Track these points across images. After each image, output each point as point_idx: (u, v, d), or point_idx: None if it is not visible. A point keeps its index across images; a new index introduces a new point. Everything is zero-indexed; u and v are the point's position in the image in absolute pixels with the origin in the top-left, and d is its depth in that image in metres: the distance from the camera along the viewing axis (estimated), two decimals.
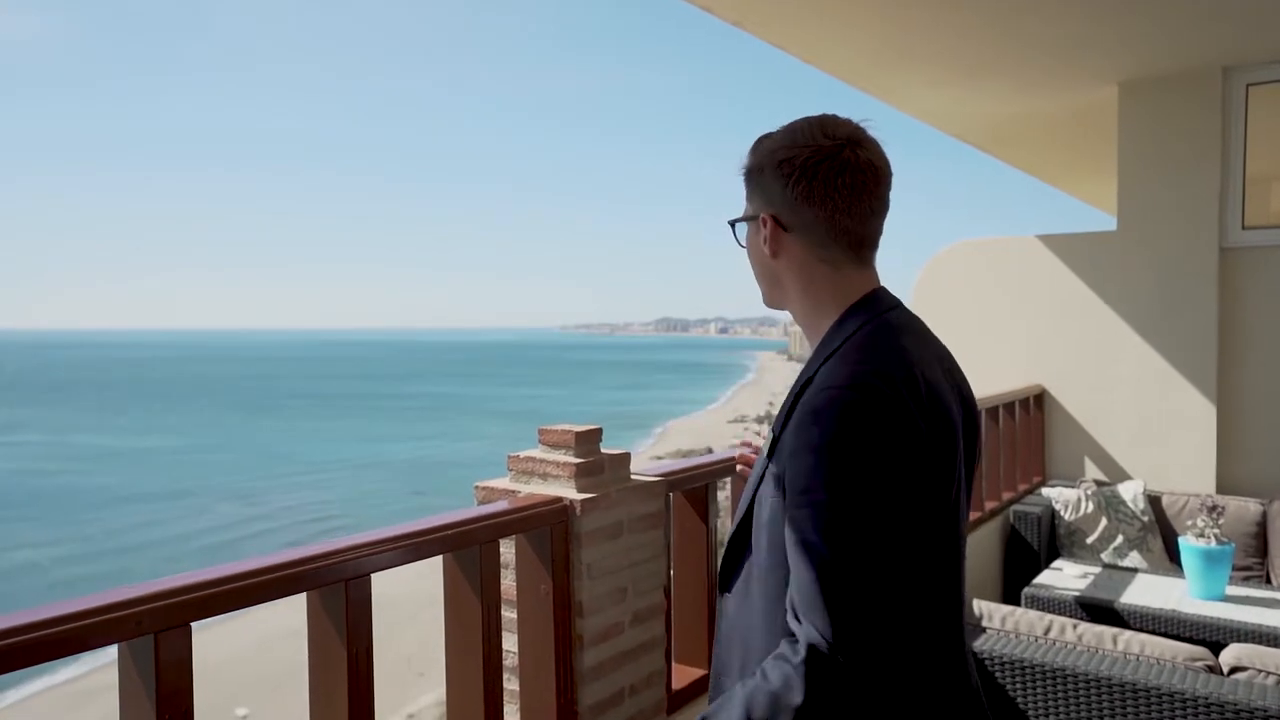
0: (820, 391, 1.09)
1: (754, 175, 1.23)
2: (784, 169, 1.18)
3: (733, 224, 1.30)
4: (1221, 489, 4.41)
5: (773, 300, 1.31)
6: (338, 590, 1.54)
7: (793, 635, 1.05)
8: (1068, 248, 4.88)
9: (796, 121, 1.22)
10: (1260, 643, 2.91)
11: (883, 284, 1.27)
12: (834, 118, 1.20)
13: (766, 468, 1.17)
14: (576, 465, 2.02)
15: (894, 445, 1.06)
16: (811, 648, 1.02)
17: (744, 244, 1.30)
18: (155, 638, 1.26)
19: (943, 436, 1.13)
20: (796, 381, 1.19)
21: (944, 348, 1.27)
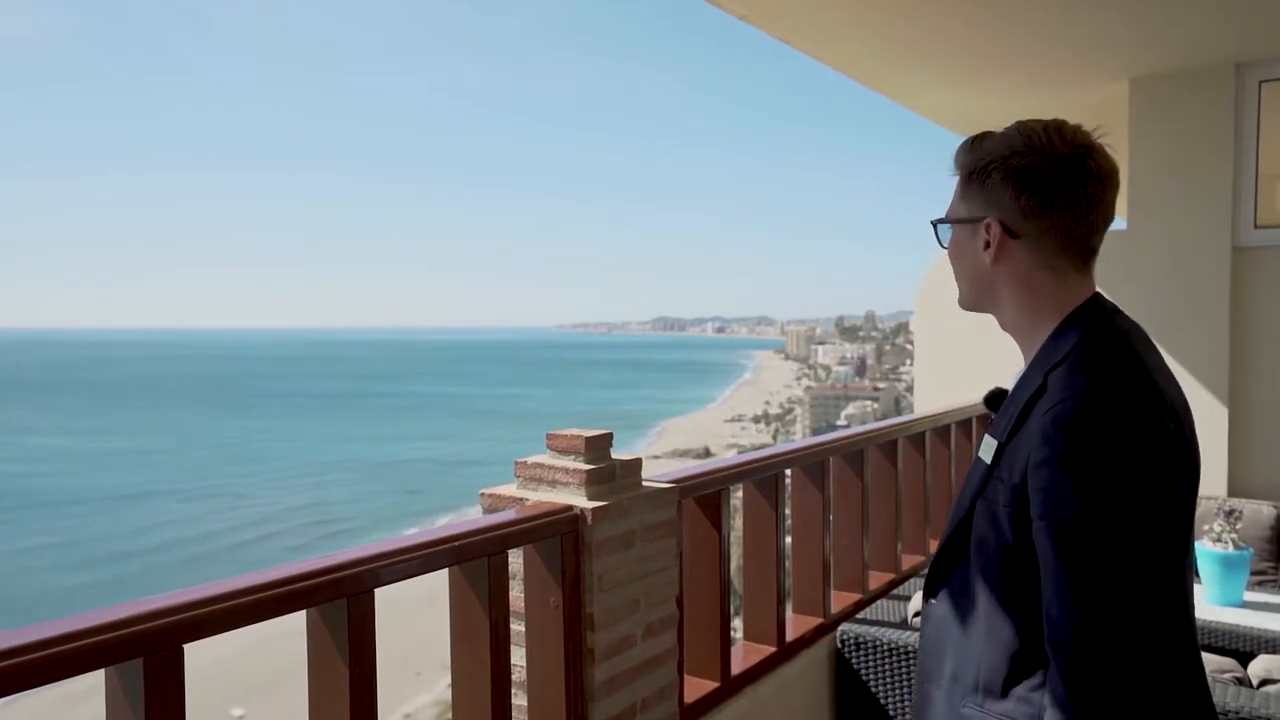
0: (1062, 402, 1.05)
1: (977, 176, 1.18)
2: (1021, 176, 1.14)
3: (938, 223, 1.25)
4: (1233, 491, 4.35)
5: (976, 304, 1.26)
6: (339, 607, 1.46)
7: (1049, 659, 1.03)
8: None
9: (1026, 125, 1.17)
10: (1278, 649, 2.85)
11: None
12: (1067, 123, 1.16)
13: (988, 475, 1.14)
14: (587, 472, 1.94)
15: (1144, 455, 1.02)
16: (1070, 683, 0.99)
17: (946, 244, 1.25)
18: (144, 662, 1.18)
19: (1187, 448, 1.10)
20: (1018, 389, 1.17)
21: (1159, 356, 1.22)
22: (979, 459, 1.21)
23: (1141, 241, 4.57)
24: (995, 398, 1.30)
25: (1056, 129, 1.15)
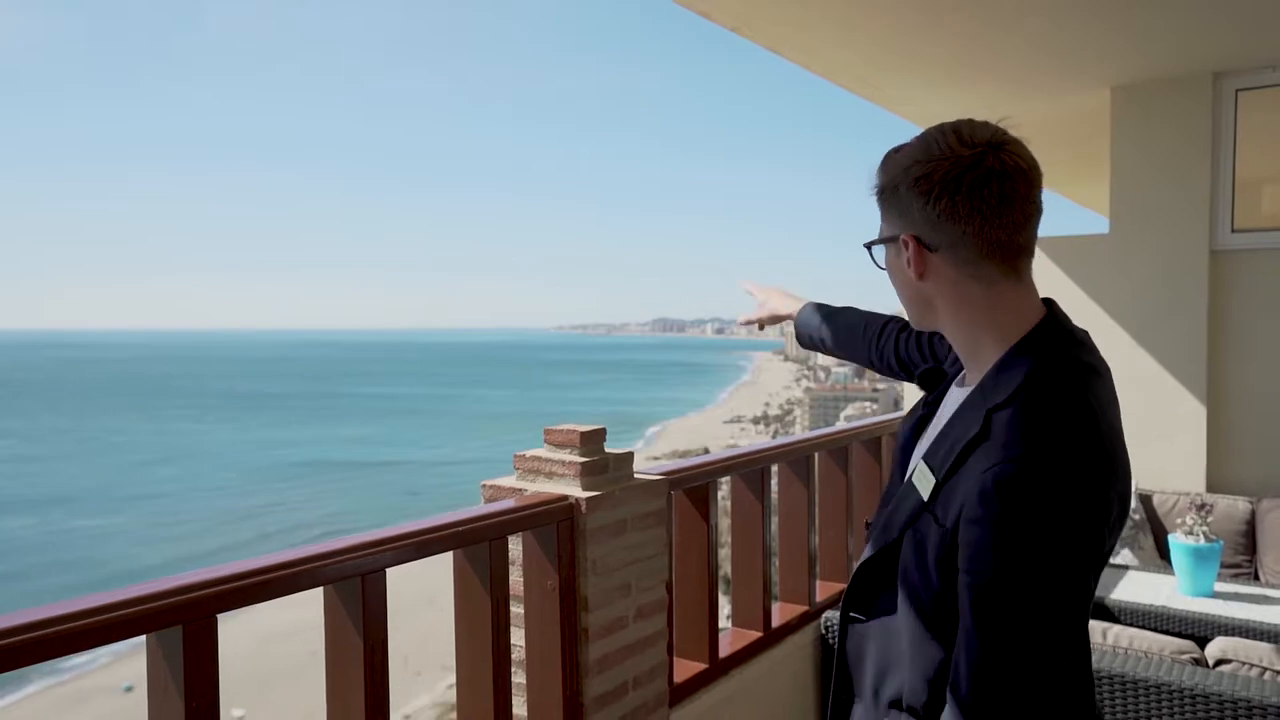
0: (1004, 462, 1.00)
1: (888, 194, 1.14)
2: (921, 185, 1.09)
3: (869, 246, 1.22)
4: (1211, 488, 4.47)
5: (923, 323, 1.21)
6: (354, 585, 1.59)
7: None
8: (1061, 250, 4.94)
9: (929, 131, 1.12)
10: (1246, 637, 2.97)
11: (1048, 296, 1.17)
12: (970, 122, 1.11)
13: (921, 507, 1.11)
14: (581, 464, 2.08)
15: (1078, 529, 0.99)
16: None
17: (884, 266, 1.21)
18: (183, 629, 1.32)
19: (1120, 496, 1.05)
20: (958, 421, 1.12)
21: (1107, 369, 1.16)
22: (913, 486, 1.16)
23: (1123, 244, 4.70)
24: (931, 376, 1.29)
25: (954, 130, 1.09)
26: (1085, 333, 1.18)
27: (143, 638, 1.33)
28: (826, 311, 1.82)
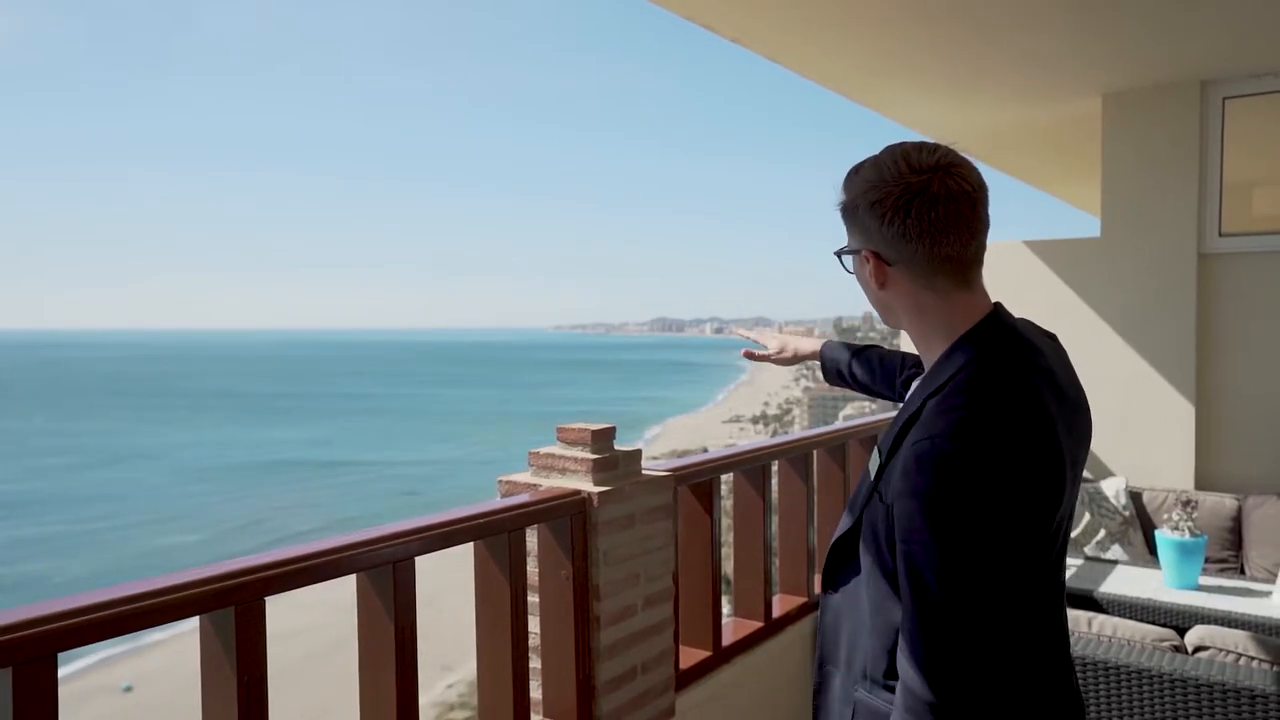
0: (926, 439, 1.10)
1: (849, 212, 1.25)
2: (876, 209, 1.19)
3: (839, 255, 1.32)
4: (1200, 485, 4.58)
5: (891, 324, 1.33)
6: (385, 572, 1.71)
7: (900, 672, 1.12)
8: (1053, 253, 5.06)
9: (882, 154, 1.22)
10: (1226, 626, 3.09)
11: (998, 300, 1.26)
12: (919, 147, 1.20)
13: (873, 490, 1.22)
14: (593, 460, 2.20)
15: (995, 497, 1.06)
16: (912, 701, 1.08)
17: (852, 271, 1.32)
18: (235, 610, 1.43)
19: (1051, 475, 1.13)
20: (904, 409, 1.23)
21: (1058, 360, 1.26)
22: (867, 470, 1.28)
23: (1113, 248, 4.81)
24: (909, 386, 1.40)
25: (904, 155, 1.18)
26: (1026, 322, 1.29)
27: (162, 627, 1.44)
28: (854, 349, 1.92)
